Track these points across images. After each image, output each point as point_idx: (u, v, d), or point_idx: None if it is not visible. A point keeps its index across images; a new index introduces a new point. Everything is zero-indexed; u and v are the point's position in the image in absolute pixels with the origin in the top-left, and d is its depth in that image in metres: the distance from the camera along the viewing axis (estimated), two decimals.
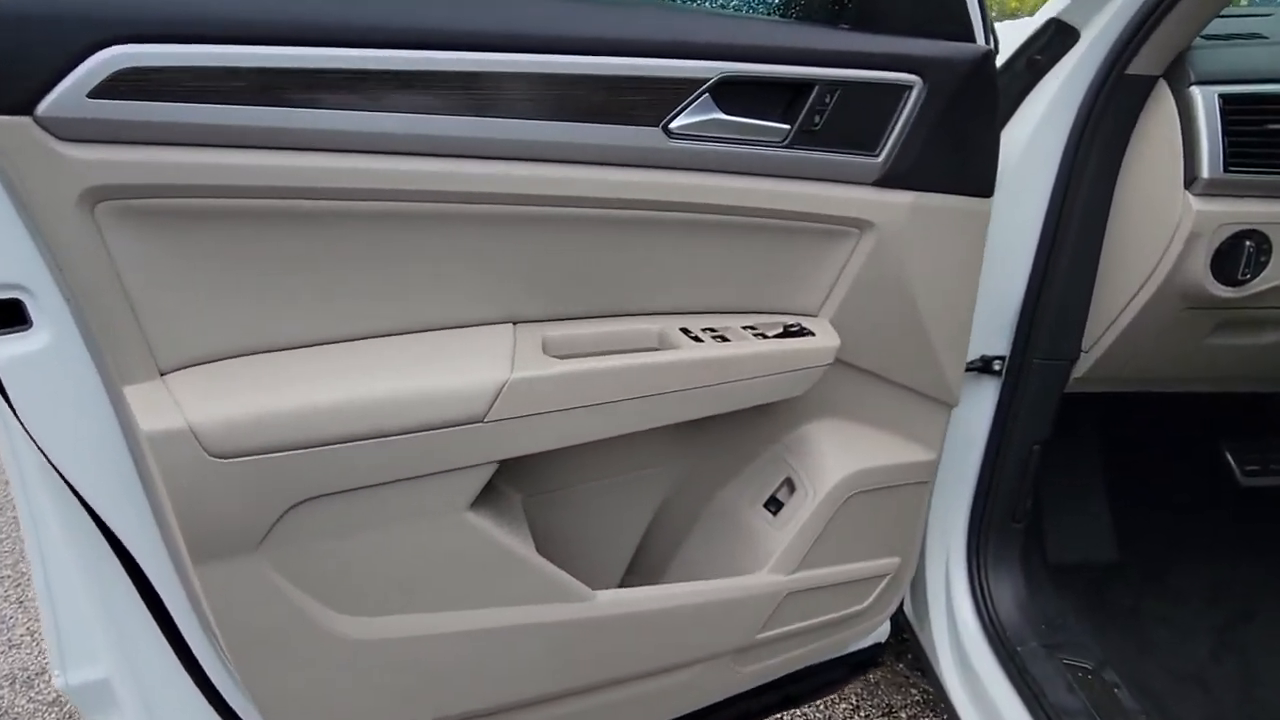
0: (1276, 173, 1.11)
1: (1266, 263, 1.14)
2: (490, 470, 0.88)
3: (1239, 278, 1.13)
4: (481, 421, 0.84)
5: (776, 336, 1.04)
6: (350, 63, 0.78)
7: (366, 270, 0.86)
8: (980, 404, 1.44)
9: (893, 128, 1.01)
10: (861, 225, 1.05)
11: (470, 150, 0.85)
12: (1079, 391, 1.43)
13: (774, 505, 1.18)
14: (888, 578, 1.30)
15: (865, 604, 1.29)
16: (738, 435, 1.16)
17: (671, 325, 1.01)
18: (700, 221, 0.98)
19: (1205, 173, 1.10)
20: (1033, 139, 1.29)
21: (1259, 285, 1.15)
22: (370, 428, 0.80)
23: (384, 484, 0.83)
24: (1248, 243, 1.11)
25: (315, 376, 0.81)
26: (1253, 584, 1.62)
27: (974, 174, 1.09)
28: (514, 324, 0.96)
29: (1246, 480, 1.74)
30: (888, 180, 1.03)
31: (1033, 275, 1.34)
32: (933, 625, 1.52)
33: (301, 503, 0.80)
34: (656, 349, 1.00)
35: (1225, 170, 1.10)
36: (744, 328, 1.04)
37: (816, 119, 0.98)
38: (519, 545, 0.94)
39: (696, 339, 0.99)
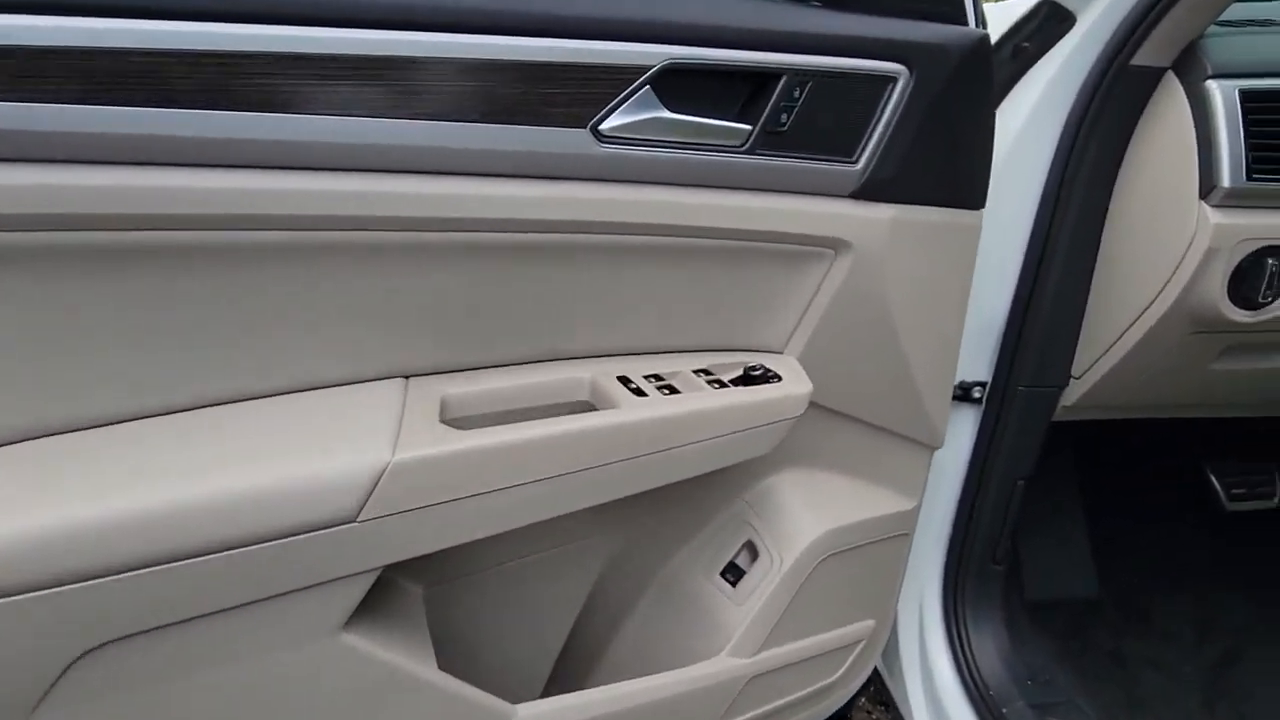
0: None
1: None
2: (371, 578, 0.68)
3: (1259, 300, 0.98)
4: (354, 522, 0.64)
5: (736, 382, 0.86)
6: (147, 40, 0.56)
7: (197, 318, 0.64)
8: (958, 435, 1.28)
9: (874, 128, 0.83)
10: (836, 245, 0.86)
11: (334, 160, 0.64)
12: (1066, 420, 1.28)
13: (733, 574, 1.00)
14: (861, 644, 1.13)
15: (836, 676, 1.12)
16: (689, 493, 0.98)
17: (607, 373, 0.81)
18: (639, 245, 0.79)
19: (1226, 181, 0.95)
20: (1020, 139, 1.12)
21: (1276, 311, 1.01)
22: (200, 540, 0.59)
23: (221, 611, 0.62)
24: (1270, 261, 0.97)
25: (115, 472, 0.59)
26: (1240, 618, 1.51)
27: (965, 183, 0.92)
28: (405, 379, 0.75)
29: (1232, 505, 1.63)
30: (867, 191, 0.85)
31: (1018, 292, 1.18)
32: (907, 681, 1.36)
33: (98, 648, 0.58)
34: (589, 404, 0.80)
35: (1248, 179, 0.95)
36: (696, 372, 0.85)
37: (783, 118, 0.79)
38: (414, 661, 0.73)
39: (638, 391, 0.79)
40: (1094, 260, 1.13)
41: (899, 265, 0.90)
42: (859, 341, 0.93)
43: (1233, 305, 1.00)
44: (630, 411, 0.76)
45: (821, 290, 0.89)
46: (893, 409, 1.00)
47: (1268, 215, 0.97)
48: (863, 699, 1.84)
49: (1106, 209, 1.12)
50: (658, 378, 0.83)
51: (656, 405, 0.77)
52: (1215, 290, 1.00)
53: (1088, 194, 1.11)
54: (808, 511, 0.99)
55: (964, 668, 1.31)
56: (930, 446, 1.08)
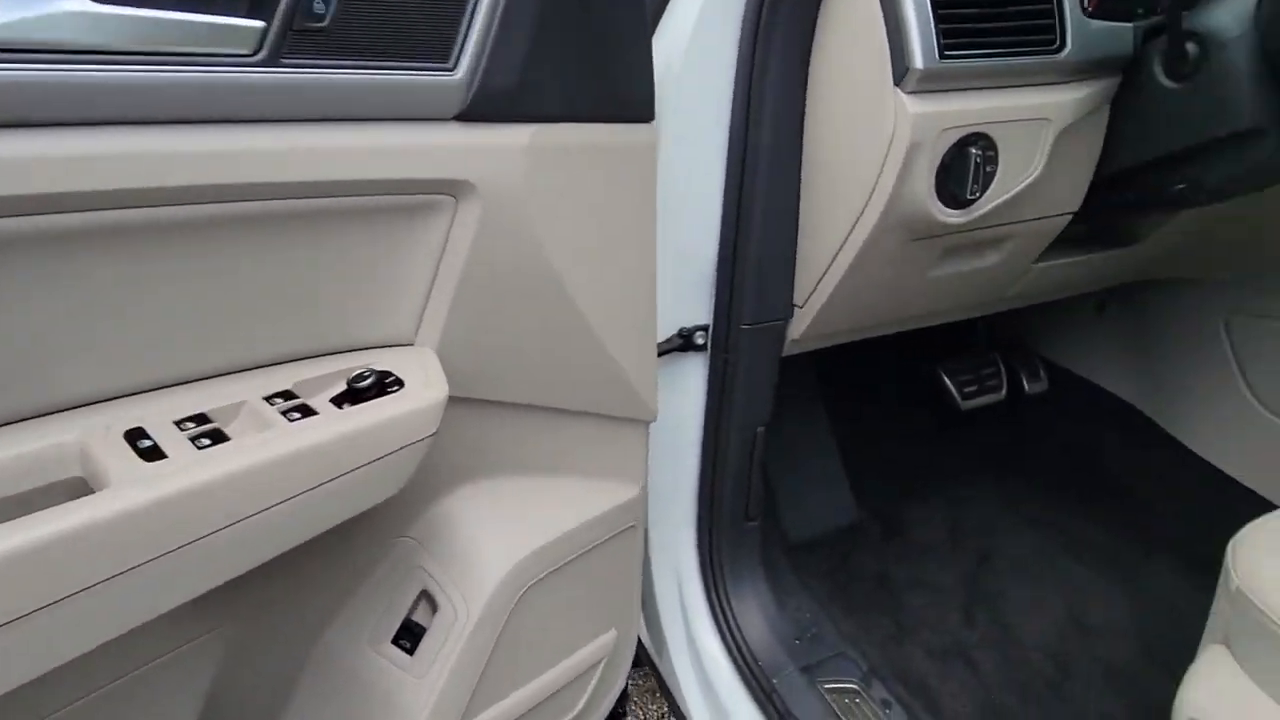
0: (1000, 53, 0.85)
1: (994, 173, 0.89)
2: None
3: (968, 197, 0.87)
4: None
5: (338, 401, 0.60)
6: None
7: None
8: (689, 390, 1.12)
9: (471, 19, 0.59)
10: (454, 189, 0.62)
11: None
12: (796, 354, 1.16)
13: (409, 638, 0.76)
14: (603, 663, 0.95)
15: (579, 708, 0.93)
16: (329, 544, 0.72)
17: (115, 424, 0.53)
18: (127, 223, 0.50)
19: (918, 62, 0.81)
20: (693, 47, 0.93)
21: (987, 204, 0.91)
22: None
23: None
24: (973, 150, 0.86)
25: None
26: (987, 516, 1.51)
27: (622, 87, 0.70)
28: None
29: (966, 403, 1.63)
30: (480, 110, 0.61)
31: (724, 220, 1.01)
32: (676, 665, 1.21)
33: None
34: (83, 483, 0.51)
35: (941, 57, 0.82)
36: (271, 398, 0.58)
37: (319, 5, 0.52)
38: None
39: (153, 452, 0.51)
40: (798, 174, 0.98)
41: (550, 204, 0.67)
42: (517, 311, 0.70)
43: (943, 206, 0.89)
44: (132, 492, 0.48)
45: (449, 253, 0.65)
46: (582, 386, 0.79)
47: (966, 98, 0.85)
48: (632, 693, 1.70)
49: (803, 114, 0.96)
50: (203, 418, 0.55)
51: (181, 472, 0.50)
52: (923, 192, 0.87)
53: (780, 99, 0.94)
54: (494, 540, 0.76)
55: (731, 641, 1.17)
56: (643, 420, 0.89)
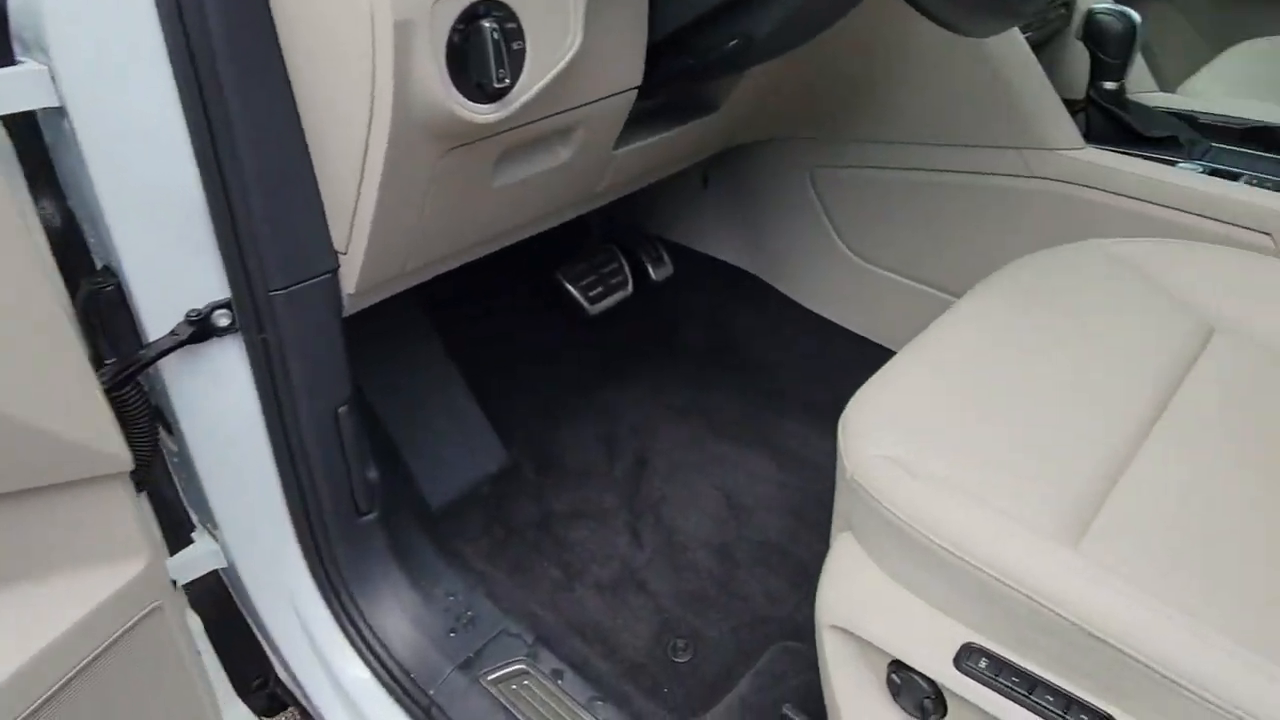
0: None
1: (524, 51, 0.71)
2: None
3: (497, 85, 0.68)
4: None
5: None
6: None
7: None
8: (228, 388, 0.85)
9: None
10: None
11: None
12: (364, 309, 0.93)
13: None
14: None
15: None
16: None
17: None
18: None
19: None
20: None
21: (526, 92, 0.73)
22: None
23: None
24: (487, 24, 0.66)
25: None
26: (638, 421, 1.44)
27: None
28: None
29: (596, 307, 1.53)
30: None
31: (201, 161, 0.73)
32: (316, 700, 0.99)
33: None
34: None
35: None
36: None
37: None
38: None
39: None
40: (281, 77, 0.72)
41: None
42: None
43: (467, 101, 0.69)
44: None
45: None
46: None
47: None
48: None
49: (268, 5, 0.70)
50: None
51: None
52: (435, 84, 0.67)
53: None
54: None
55: (374, 659, 0.98)
56: (116, 473, 0.62)
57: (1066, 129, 1.18)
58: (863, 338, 1.53)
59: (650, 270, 1.62)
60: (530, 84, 0.73)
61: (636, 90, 0.93)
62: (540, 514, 1.28)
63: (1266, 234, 1.02)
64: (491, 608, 1.06)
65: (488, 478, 1.32)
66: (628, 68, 0.89)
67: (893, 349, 0.86)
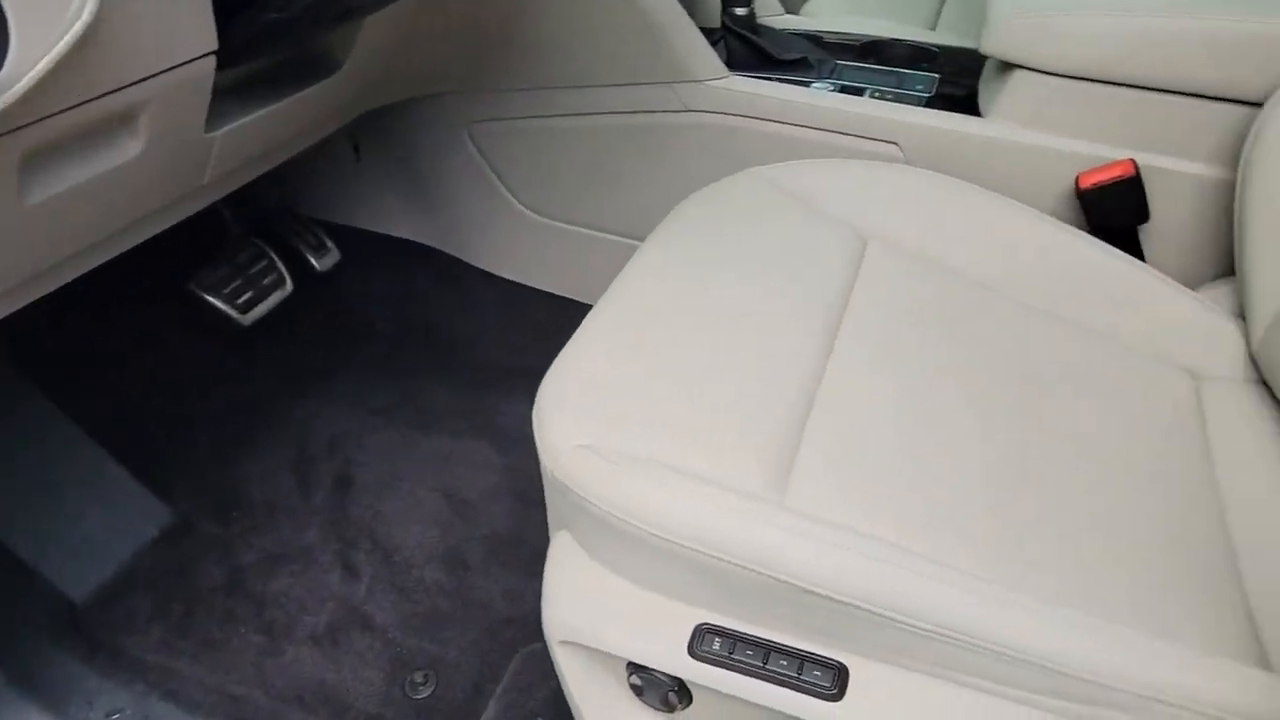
0: None
1: (5, 27, 0.52)
2: None
3: None
4: None
5: None
6: None
7: None
8: None
9: None
10: None
11: None
12: None
13: None
14: None
15: None
16: None
17: None
18: None
19: None
20: None
21: (22, 78, 0.54)
22: None
23: None
24: None
25: None
26: (335, 434, 1.26)
27: None
28: None
29: (251, 315, 1.30)
30: None
31: None
32: None
33: None
34: None
35: None
36: None
37: None
38: None
39: None
40: None
41: None
42: None
43: None
44: None
45: None
46: None
47: None
48: None
49: None
50: None
51: None
52: None
53: None
54: None
55: None
56: None
57: (709, 59, 1.17)
58: (560, 297, 1.46)
59: (312, 260, 1.42)
60: (25, 66, 0.53)
61: (214, 57, 0.75)
62: (227, 573, 1.08)
63: (894, 143, 1.08)
64: (174, 711, 0.87)
65: (146, 546, 1.08)
66: (192, 31, 0.71)
67: (590, 303, 0.79)
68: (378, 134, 1.45)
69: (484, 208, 1.43)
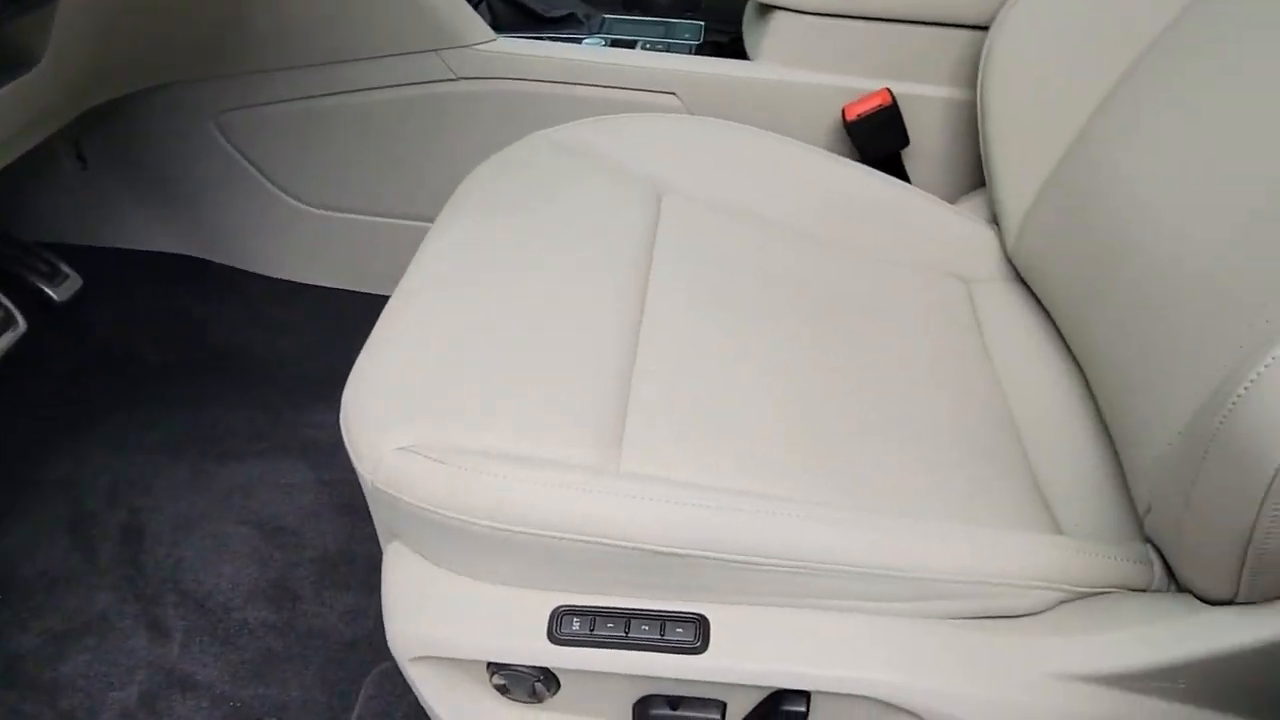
0: None
1: None
2: None
3: None
4: None
5: None
6: None
7: None
8: None
9: None
10: None
11: None
12: None
13: None
14: None
15: None
16: None
17: None
18: None
19: None
20: None
21: None
22: None
23: None
24: None
25: None
26: (117, 486, 1.11)
27: None
28: None
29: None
30: None
31: None
32: None
33: None
34: None
35: None
36: None
37: None
38: None
39: None
40: None
41: None
42: None
43: None
44: None
45: None
46: None
47: None
48: None
49: None
50: None
51: None
52: None
53: None
54: None
55: None
56: None
57: (474, 22, 1.11)
58: (354, 291, 1.37)
59: (47, 290, 1.22)
60: None
61: None
62: (5, 662, 0.93)
63: (672, 93, 1.09)
64: None
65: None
66: None
67: (388, 294, 0.74)
68: (106, 136, 1.27)
69: (249, 207, 1.29)
